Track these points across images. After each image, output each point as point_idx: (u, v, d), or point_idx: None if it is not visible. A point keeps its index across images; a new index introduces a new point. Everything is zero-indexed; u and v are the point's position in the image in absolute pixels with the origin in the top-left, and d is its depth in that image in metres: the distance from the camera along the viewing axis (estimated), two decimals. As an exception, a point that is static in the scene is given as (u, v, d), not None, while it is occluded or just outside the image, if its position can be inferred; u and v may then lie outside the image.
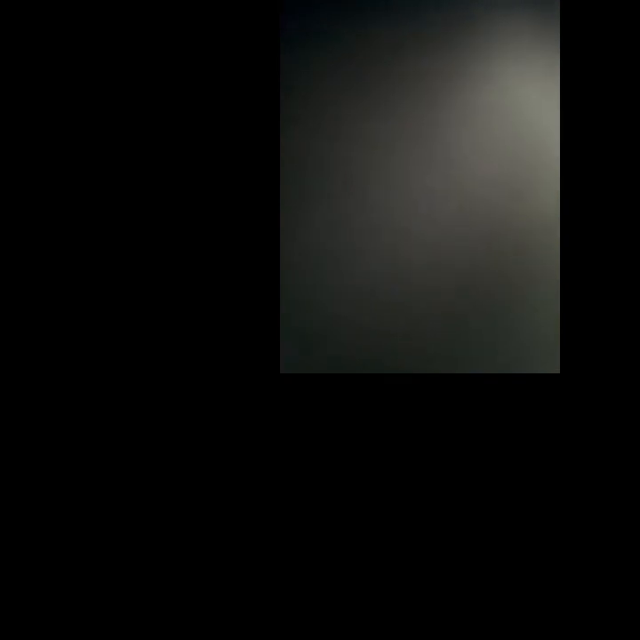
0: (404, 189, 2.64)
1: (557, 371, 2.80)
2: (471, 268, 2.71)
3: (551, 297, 2.84)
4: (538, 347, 2.78)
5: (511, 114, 2.86)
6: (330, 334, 2.48)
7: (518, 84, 2.88)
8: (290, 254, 2.49)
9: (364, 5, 2.65)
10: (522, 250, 2.80)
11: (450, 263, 2.68)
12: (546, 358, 2.79)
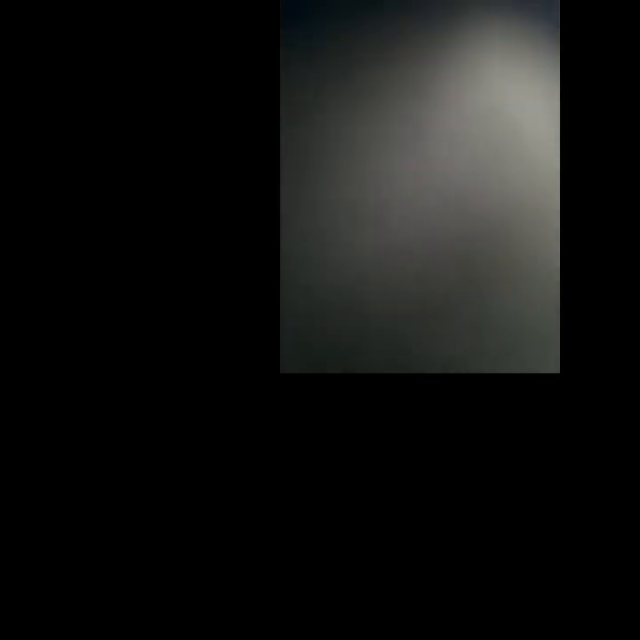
0: (400, 187, 2.65)
1: (557, 371, 2.80)
2: (471, 267, 2.71)
3: (551, 296, 2.84)
4: (538, 347, 2.78)
5: (500, 111, 2.86)
6: (330, 333, 2.48)
7: (505, 82, 2.88)
8: (289, 254, 2.49)
9: (355, 10, 2.66)
10: (522, 246, 2.80)
11: (448, 257, 2.68)
12: (546, 358, 2.79)
